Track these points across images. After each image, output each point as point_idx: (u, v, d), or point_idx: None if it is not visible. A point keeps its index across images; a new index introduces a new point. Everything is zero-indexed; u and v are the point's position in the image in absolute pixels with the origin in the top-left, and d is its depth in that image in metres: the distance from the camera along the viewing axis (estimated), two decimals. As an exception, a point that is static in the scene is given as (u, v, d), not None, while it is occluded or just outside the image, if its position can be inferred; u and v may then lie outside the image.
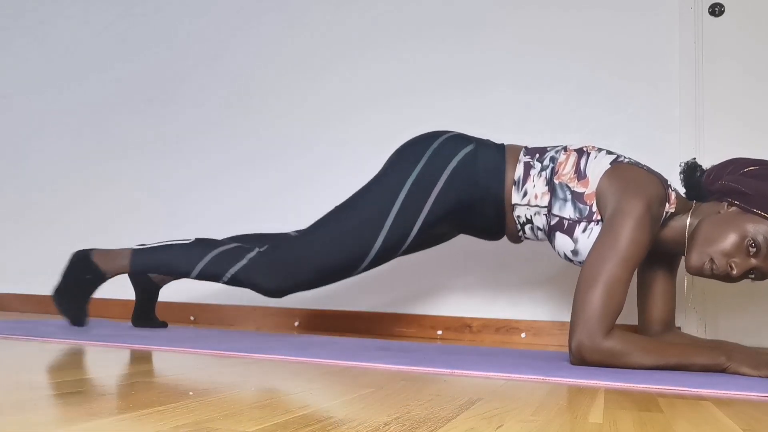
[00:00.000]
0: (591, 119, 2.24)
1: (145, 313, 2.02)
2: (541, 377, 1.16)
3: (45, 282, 2.92)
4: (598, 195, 1.47)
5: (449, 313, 2.32)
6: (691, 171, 1.55)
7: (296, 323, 2.49)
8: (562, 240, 1.51)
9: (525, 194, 1.56)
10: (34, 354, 1.25)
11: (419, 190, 1.57)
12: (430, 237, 1.78)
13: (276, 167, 2.61)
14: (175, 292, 2.62)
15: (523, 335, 2.22)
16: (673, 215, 1.48)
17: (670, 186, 1.49)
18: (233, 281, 1.66)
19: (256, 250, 1.65)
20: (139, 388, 0.88)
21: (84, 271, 1.79)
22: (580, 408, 0.87)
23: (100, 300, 2.77)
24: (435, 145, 1.62)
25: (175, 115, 2.80)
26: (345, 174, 2.49)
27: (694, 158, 1.60)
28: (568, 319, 2.17)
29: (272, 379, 1.03)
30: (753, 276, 1.38)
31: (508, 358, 1.51)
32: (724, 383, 1.15)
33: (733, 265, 1.35)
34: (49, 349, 1.36)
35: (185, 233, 2.68)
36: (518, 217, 1.59)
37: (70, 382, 0.91)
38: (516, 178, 1.57)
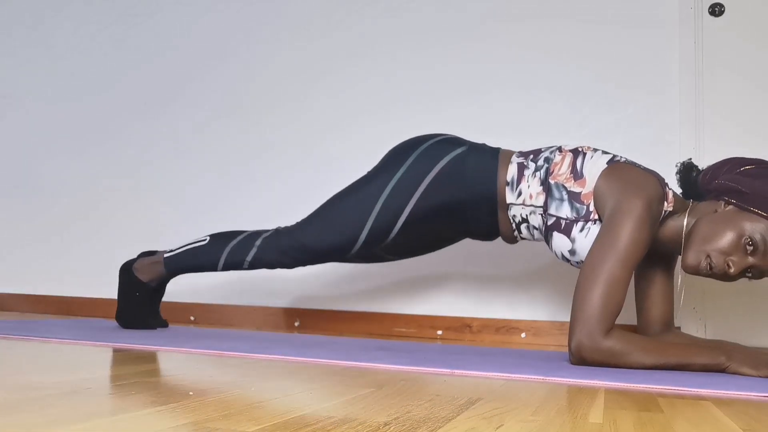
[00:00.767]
0: (591, 120, 2.24)
1: (151, 312, 2.09)
2: (541, 377, 1.16)
3: (45, 282, 2.92)
4: (596, 194, 1.47)
5: (449, 313, 2.33)
6: (687, 171, 1.56)
7: (296, 323, 2.49)
8: (559, 240, 1.52)
9: (520, 194, 1.56)
10: (34, 354, 1.25)
11: (405, 185, 1.63)
12: (427, 237, 1.79)
13: (277, 170, 2.61)
14: (175, 292, 2.62)
15: (523, 335, 2.22)
16: (670, 214, 1.48)
17: (667, 185, 1.50)
18: (253, 266, 1.80)
19: (262, 237, 1.78)
20: (139, 388, 0.88)
21: (133, 290, 1.92)
22: (580, 408, 0.87)
23: (101, 300, 2.77)
24: (425, 145, 1.67)
25: (175, 118, 2.80)
26: (346, 181, 2.49)
27: (690, 158, 1.60)
28: (568, 319, 2.17)
29: (272, 379, 1.03)
30: (750, 275, 1.38)
31: (508, 358, 1.51)
32: (724, 383, 1.15)
33: (731, 264, 1.35)
34: (49, 349, 1.36)
35: (188, 234, 2.68)
36: (513, 216, 1.60)
37: (70, 382, 0.91)
38: (509, 178, 1.58)
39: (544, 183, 1.53)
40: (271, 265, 1.79)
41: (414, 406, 0.82)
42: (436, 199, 1.62)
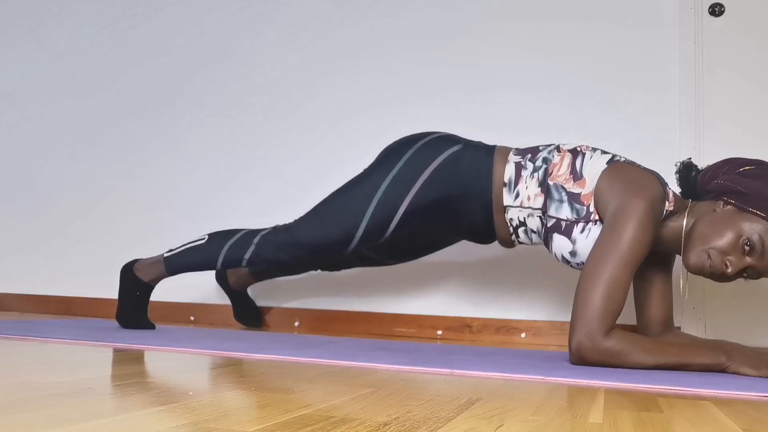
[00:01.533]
0: (591, 120, 2.24)
1: (243, 311, 2.35)
2: (541, 377, 1.16)
3: (45, 282, 2.92)
4: (597, 195, 1.46)
5: (449, 313, 2.33)
6: (686, 170, 1.55)
7: (296, 323, 2.49)
8: (559, 241, 1.51)
9: (517, 195, 1.56)
10: (34, 354, 1.25)
11: (401, 181, 1.63)
12: (424, 237, 1.79)
13: (277, 169, 2.61)
14: (175, 292, 2.62)
15: (523, 335, 2.22)
16: (670, 214, 1.48)
17: (667, 184, 1.50)
18: (251, 263, 1.80)
19: (260, 234, 1.79)
20: (139, 388, 0.88)
21: (134, 290, 1.93)
22: (580, 408, 0.87)
23: (101, 300, 2.77)
24: (421, 143, 1.67)
25: (174, 118, 2.80)
26: (343, 178, 2.49)
27: (690, 158, 1.60)
28: (568, 319, 2.17)
29: (272, 379, 1.03)
30: (747, 275, 1.38)
31: (508, 358, 1.51)
32: (724, 383, 1.15)
33: (728, 264, 1.35)
34: (49, 349, 1.36)
35: (187, 233, 2.68)
36: (511, 220, 1.59)
37: (70, 382, 0.91)
38: (507, 179, 1.57)
39: (543, 184, 1.53)
40: (269, 262, 1.79)
41: (414, 406, 0.82)
42: (431, 196, 1.62)
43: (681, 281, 1.55)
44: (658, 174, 1.50)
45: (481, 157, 1.61)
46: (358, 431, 0.66)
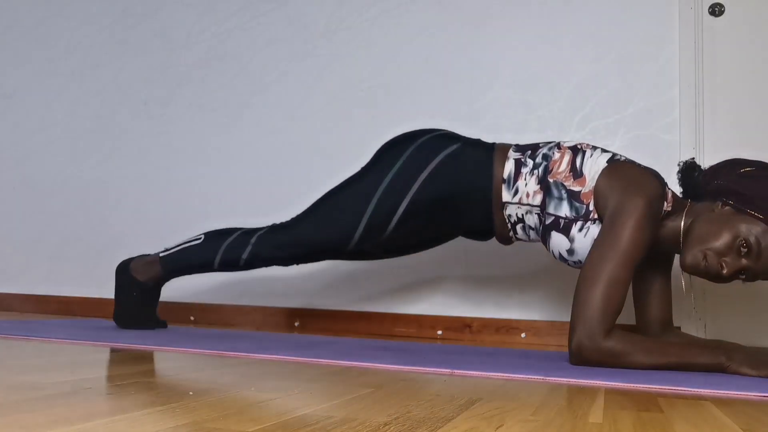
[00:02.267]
0: (591, 119, 2.24)
1: (148, 313, 2.08)
2: (541, 377, 1.16)
3: (45, 282, 2.92)
4: (597, 194, 1.46)
5: (449, 313, 2.33)
6: (689, 170, 1.55)
7: (296, 323, 2.49)
8: (557, 239, 1.51)
9: (516, 192, 1.55)
10: (34, 354, 1.25)
11: (402, 179, 1.62)
12: (423, 234, 1.79)
13: (278, 169, 2.61)
14: (175, 292, 2.62)
15: (523, 335, 2.22)
16: (668, 214, 1.48)
17: (666, 184, 1.50)
18: (249, 264, 1.79)
19: (257, 234, 1.77)
20: (139, 388, 0.88)
21: (130, 290, 1.91)
22: (580, 408, 0.87)
23: (101, 300, 2.77)
24: (420, 141, 1.66)
25: (174, 118, 2.80)
26: (341, 176, 2.49)
27: (693, 158, 1.60)
28: (568, 320, 2.17)
29: (272, 379, 1.03)
30: (744, 276, 1.37)
31: (508, 358, 1.51)
32: (724, 383, 1.15)
33: (724, 264, 1.35)
34: (49, 349, 1.36)
35: (185, 232, 2.68)
36: (509, 216, 1.59)
37: (70, 382, 0.91)
38: (506, 176, 1.57)
39: (542, 181, 1.53)
40: (267, 262, 1.78)
41: (414, 406, 0.82)
42: (431, 194, 1.61)
43: (682, 281, 1.55)
44: (657, 173, 1.50)
45: (480, 155, 1.60)
46: (358, 431, 0.66)
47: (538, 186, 1.53)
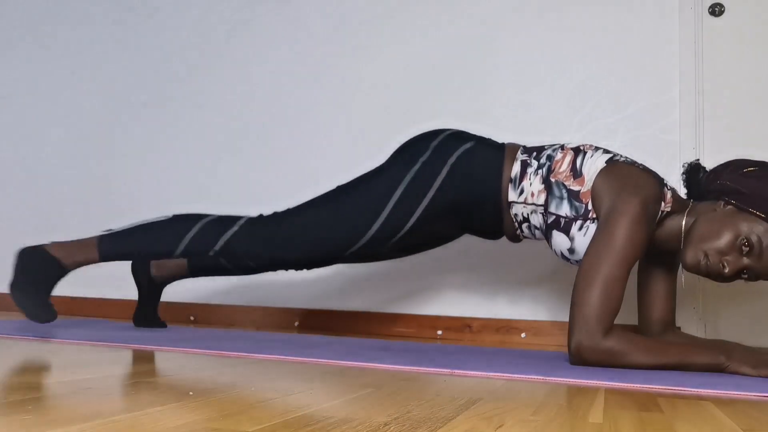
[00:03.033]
0: (591, 119, 2.24)
1: (147, 312, 2.04)
2: (541, 377, 1.16)
3: (45, 282, 2.92)
4: (594, 193, 1.47)
5: (449, 313, 2.33)
6: (694, 171, 1.55)
7: (296, 323, 2.49)
8: (558, 238, 1.52)
9: (521, 192, 1.56)
10: (34, 354, 1.25)
11: (419, 183, 1.58)
12: (431, 235, 1.78)
13: (278, 169, 2.61)
14: (175, 292, 2.62)
15: (523, 335, 2.22)
16: (669, 214, 1.48)
17: (666, 184, 1.50)
18: (223, 252, 1.59)
19: (246, 217, 1.63)
20: (139, 388, 0.88)
21: (42, 266, 1.67)
22: (580, 408, 0.87)
23: (101, 300, 2.77)
24: (436, 141, 1.63)
25: (174, 118, 2.80)
26: (345, 178, 2.49)
27: (698, 159, 1.60)
28: (568, 319, 2.17)
29: (272, 379, 1.03)
30: (746, 276, 1.37)
31: (508, 358, 1.51)
32: (724, 383, 1.15)
33: (725, 264, 1.35)
34: (49, 349, 1.36)
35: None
36: (515, 215, 1.59)
37: (70, 382, 0.91)
38: (513, 176, 1.57)
39: (546, 181, 1.53)
40: (239, 259, 1.59)
41: (414, 406, 0.82)
42: (447, 198, 1.58)
43: (682, 280, 1.55)
44: (657, 174, 1.50)
45: (492, 155, 1.59)
46: (358, 431, 0.66)
47: (542, 186, 1.53)
